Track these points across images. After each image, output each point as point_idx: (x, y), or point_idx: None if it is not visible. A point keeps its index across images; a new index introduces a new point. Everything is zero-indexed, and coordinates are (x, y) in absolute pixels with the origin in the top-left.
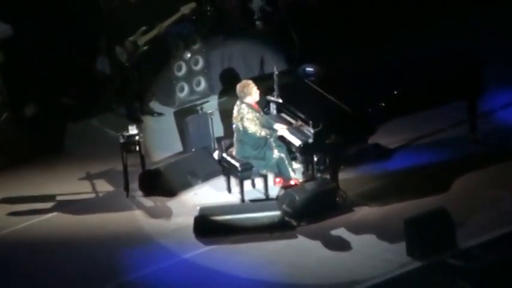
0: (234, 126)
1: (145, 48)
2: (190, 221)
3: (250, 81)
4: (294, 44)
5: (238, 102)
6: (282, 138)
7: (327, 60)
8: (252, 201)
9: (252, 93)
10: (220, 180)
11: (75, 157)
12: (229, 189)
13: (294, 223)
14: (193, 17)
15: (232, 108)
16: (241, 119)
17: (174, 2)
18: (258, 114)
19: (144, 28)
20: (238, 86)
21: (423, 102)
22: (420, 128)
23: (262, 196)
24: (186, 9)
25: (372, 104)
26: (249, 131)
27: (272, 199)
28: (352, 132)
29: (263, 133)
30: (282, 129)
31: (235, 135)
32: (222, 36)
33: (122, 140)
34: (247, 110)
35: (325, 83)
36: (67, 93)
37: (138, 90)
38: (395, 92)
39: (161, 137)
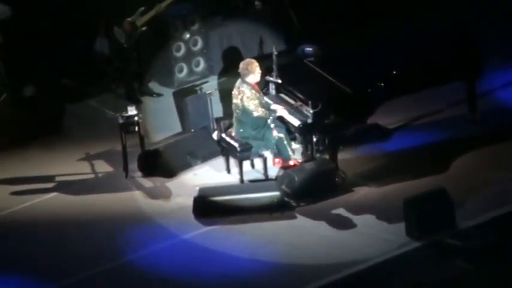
0: (233, 105)
1: (143, 28)
2: (190, 201)
3: (254, 60)
4: (292, 24)
5: (238, 81)
6: (281, 119)
7: (326, 40)
8: (251, 181)
9: (255, 72)
10: (220, 161)
11: (74, 138)
12: (228, 170)
13: (293, 203)
14: None
15: (232, 89)
16: (241, 98)
17: None
18: (258, 94)
19: (142, 8)
20: (242, 64)
21: (422, 82)
22: (419, 108)
23: (261, 176)
24: None
25: (371, 84)
26: (248, 110)
27: (271, 179)
28: (351, 112)
29: (262, 113)
30: (280, 110)
31: (234, 115)
32: (221, 16)
33: (121, 121)
34: (248, 89)
35: (324, 63)
36: (66, 74)
37: (137, 71)
38: (395, 72)
39: (160, 118)
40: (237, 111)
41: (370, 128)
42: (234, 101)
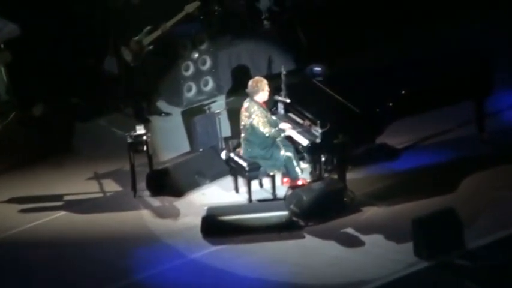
0: (241, 124)
1: (150, 48)
2: (198, 221)
3: (263, 78)
4: (301, 44)
5: (247, 100)
6: (289, 138)
7: (335, 60)
8: (259, 201)
9: (264, 89)
10: (228, 180)
11: (82, 157)
12: (236, 189)
13: (302, 223)
14: (201, 17)
15: (240, 108)
16: (250, 116)
17: (179, 1)
18: (266, 113)
19: (148, 28)
20: (252, 81)
21: (431, 102)
22: (428, 128)
23: (269, 196)
24: (190, 8)
25: (380, 104)
26: (257, 129)
27: (280, 199)
28: (359, 132)
29: (271, 132)
30: (289, 129)
31: (242, 134)
32: (230, 36)
33: (129, 140)
34: (257, 107)
35: (332, 83)
36: (75, 93)
37: (145, 90)
38: (403, 92)
39: (169, 137)
40: (246, 130)
41: (378, 148)
42: (243, 120)
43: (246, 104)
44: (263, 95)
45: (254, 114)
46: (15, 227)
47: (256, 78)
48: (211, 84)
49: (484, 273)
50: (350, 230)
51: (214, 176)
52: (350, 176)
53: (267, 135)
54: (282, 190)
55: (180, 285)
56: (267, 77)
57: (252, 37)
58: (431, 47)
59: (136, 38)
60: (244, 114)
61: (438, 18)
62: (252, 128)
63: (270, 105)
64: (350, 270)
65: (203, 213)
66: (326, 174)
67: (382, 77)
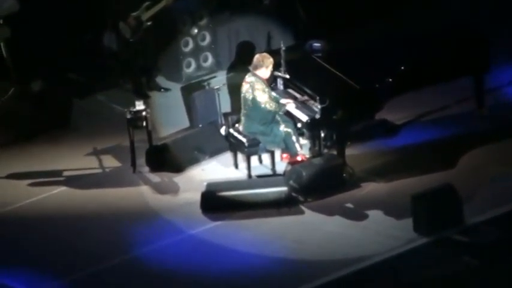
0: (242, 99)
1: (148, 23)
2: (197, 196)
3: (270, 56)
4: (300, 19)
5: (248, 75)
6: (288, 114)
7: (334, 35)
8: (258, 176)
9: (268, 67)
10: (227, 156)
11: (82, 133)
12: (236, 165)
13: (301, 199)
14: None
15: (240, 84)
16: (251, 90)
17: None
18: (267, 89)
19: (147, 3)
20: (259, 55)
21: (430, 77)
22: (427, 103)
23: (269, 172)
24: None
25: (379, 80)
26: (259, 104)
27: (279, 175)
28: (359, 108)
29: (273, 106)
30: (288, 104)
31: (242, 109)
32: (229, 11)
33: (128, 116)
34: (259, 82)
35: (332, 59)
36: (74, 68)
37: (144, 66)
38: (403, 68)
39: (168, 113)
40: (246, 105)
41: (378, 124)
42: (244, 94)
43: (247, 78)
44: (265, 72)
45: (256, 88)
46: (14, 203)
47: (264, 54)
48: (210, 60)
49: (483, 248)
50: (349, 206)
51: (214, 152)
52: (349, 151)
53: (268, 108)
54: (281, 166)
55: (179, 261)
56: (266, 53)
57: (251, 13)
58: (430, 23)
59: (135, 13)
60: (245, 88)
61: None
62: (254, 103)
63: (270, 81)
64: (349, 246)
65: (202, 189)
66: (325, 150)
67: (381, 52)
